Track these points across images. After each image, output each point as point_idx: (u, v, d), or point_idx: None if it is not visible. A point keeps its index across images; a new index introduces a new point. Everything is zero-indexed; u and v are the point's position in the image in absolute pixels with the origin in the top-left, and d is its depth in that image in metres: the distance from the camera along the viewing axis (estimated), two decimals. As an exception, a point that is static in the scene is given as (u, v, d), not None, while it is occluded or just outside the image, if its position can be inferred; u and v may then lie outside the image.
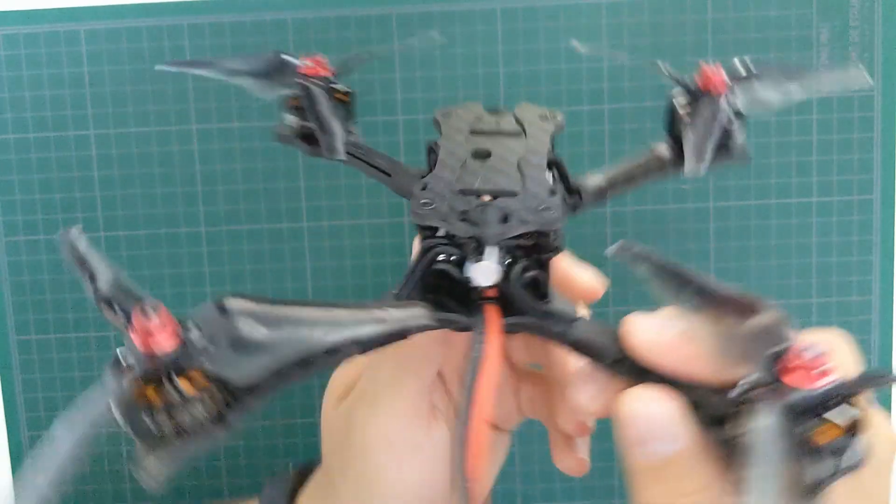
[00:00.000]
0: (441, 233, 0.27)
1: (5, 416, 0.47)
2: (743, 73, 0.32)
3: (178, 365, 0.22)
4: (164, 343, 0.21)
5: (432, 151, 0.31)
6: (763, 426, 0.20)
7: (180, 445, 0.22)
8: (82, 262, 0.24)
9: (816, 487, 0.20)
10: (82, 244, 0.24)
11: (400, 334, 0.26)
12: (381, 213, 0.45)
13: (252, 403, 0.22)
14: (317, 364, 0.24)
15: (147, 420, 0.22)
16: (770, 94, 0.32)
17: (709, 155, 0.31)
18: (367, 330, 0.25)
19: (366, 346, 0.25)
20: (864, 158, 0.45)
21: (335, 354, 0.24)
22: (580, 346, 0.27)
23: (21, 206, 0.45)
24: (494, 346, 0.26)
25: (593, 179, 0.33)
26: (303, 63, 0.32)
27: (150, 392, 0.22)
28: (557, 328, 0.27)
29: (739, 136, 0.32)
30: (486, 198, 0.28)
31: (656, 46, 0.44)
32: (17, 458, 0.47)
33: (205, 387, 0.22)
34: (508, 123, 0.33)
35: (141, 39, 0.44)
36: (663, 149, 0.33)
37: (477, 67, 0.44)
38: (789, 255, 0.46)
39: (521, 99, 0.45)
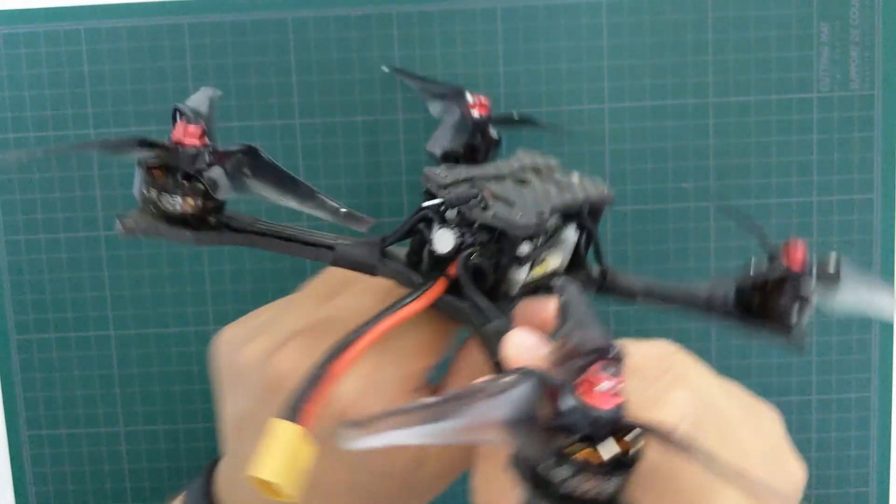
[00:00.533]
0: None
1: (5, 415, 0.47)
2: (829, 268, 0.32)
3: (192, 162, 0.29)
4: (193, 140, 0.29)
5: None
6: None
7: (156, 222, 0.29)
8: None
9: (551, 484, 0.20)
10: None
11: (365, 266, 0.31)
12: (381, 213, 0.45)
13: (222, 235, 0.30)
14: (292, 247, 0.31)
15: (147, 187, 0.29)
16: (848, 297, 0.32)
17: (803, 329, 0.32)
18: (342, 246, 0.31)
19: (337, 258, 0.31)
20: (865, 158, 0.45)
21: (311, 247, 0.31)
22: (485, 343, 0.29)
23: (21, 205, 0.45)
24: (417, 305, 0.29)
25: (632, 279, 0.34)
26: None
27: (159, 173, 0.29)
28: (476, 318, 0.29)
29: (803, 319, 0.32)
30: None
31: (656, 46, 0.44)
32: (17, 458, 0.47)
33: (196, 192, 0.29)
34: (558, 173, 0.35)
35: (141, 39, 0.44)
36: (714, 292, 0.34)
37: (477, 67, 0.44)
38: (789, 254, 0.46)
39: (521, 99, 0.45)
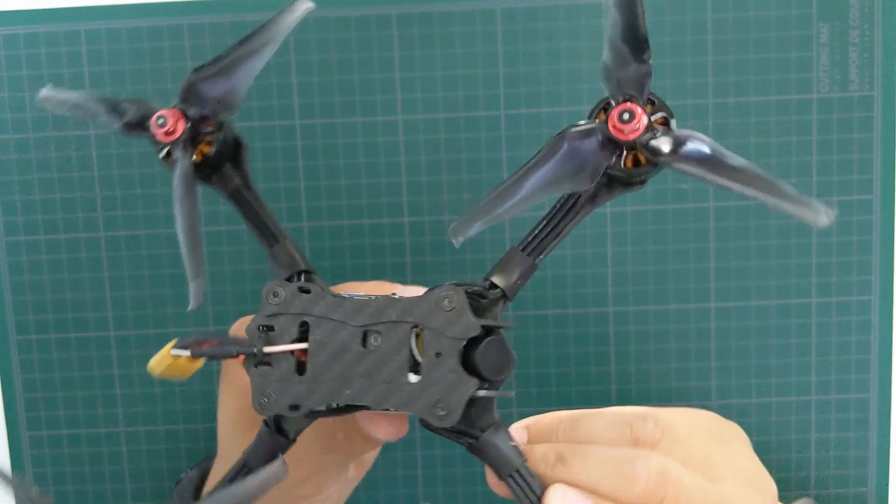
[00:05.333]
0: None
1: (5, 416, 0.47)
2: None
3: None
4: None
5: None
6: None
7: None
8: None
9: None
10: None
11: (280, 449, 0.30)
12: (380, 214, 0.45)
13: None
14: None
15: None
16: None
17: None
18: None
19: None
20: (864, 158, 0.45)
21: None
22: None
23: (21, 206, 0.45)
24: None
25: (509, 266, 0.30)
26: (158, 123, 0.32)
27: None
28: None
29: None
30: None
31: (656, 46, 0.44)
32: (17, 458, 0.47)
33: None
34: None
35: (141, 39, 0.44)
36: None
37: (477, 67, 0.44)
38: (789, 254, 0.46)
39: (521, 99, 0.45)
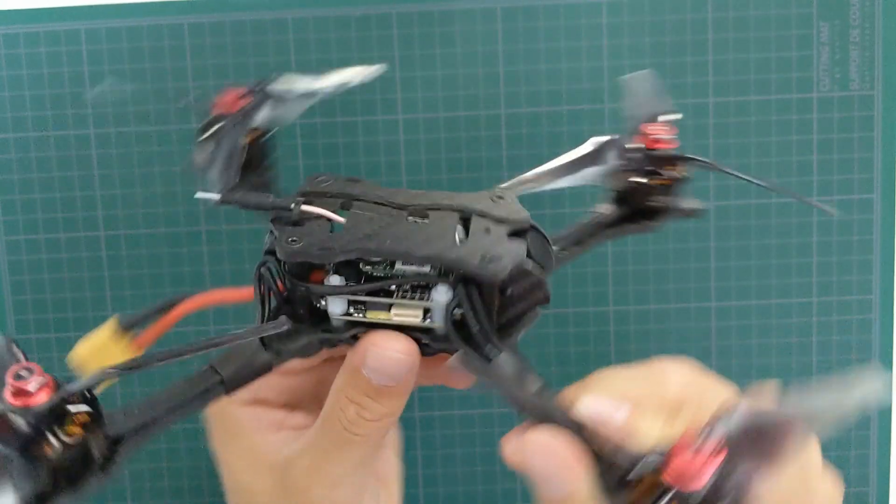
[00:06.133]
0: None
1: (5, 415, 0.47)
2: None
3: (56, 414, 0.23)
4: (38, 398, 0.23)
5: None
6: None
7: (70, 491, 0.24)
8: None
9: None
10: None
11: (261, 371, 0.28)
12: (381, 213, 0.45)
13: (132, 446, 0.26)
14: (181, 410, 0.27)
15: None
16: None
17: None
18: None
19: (230, 385, 0.27)
20: (865, 157, 0.45)
21: (200, 397, 0.27)
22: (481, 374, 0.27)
23: (21, 205, 0.45)
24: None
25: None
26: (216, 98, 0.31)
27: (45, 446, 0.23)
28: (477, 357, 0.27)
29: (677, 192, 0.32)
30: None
31: (656, 45, 0.44)
32: (17, 458, 0.47)
33: (85, 433, 0.24)
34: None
35: (141, 39, 0.44)
36: (608, 212, 0.33)
37: (477, 67, 0.44)
38: (789, 254, 0.46)
39: (521, 99, 0.45)
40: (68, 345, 0.46)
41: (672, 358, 0.29)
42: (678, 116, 0.31)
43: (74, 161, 0.45)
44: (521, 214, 0.28)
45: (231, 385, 0.27)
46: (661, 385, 0.26)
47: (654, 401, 0.26)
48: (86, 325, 0.46)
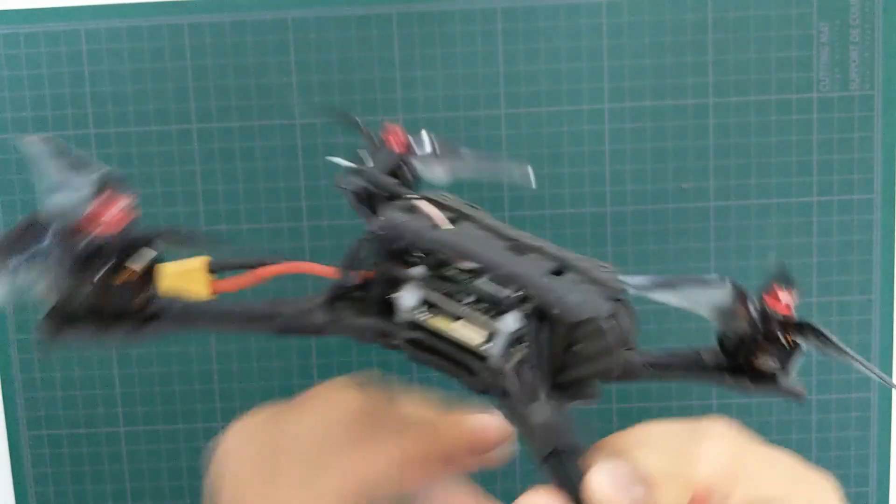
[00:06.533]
0: None
1: (5, 415, 0.47)
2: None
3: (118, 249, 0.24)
4: (112, 225, 0.23)
5: None
6: None
7: (89, 324, 0.24)
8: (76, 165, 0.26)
9: None
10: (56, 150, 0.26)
11: (313, 328, 0.28)
12: (381, 213, 0.45)
13: (165, 327, 0.26)
14: (231, 324, 0.27)
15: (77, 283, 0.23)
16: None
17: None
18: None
19: (282, 327, 0.27)
20: (865, 158, 0.45)
21: (253, 322, 0.27)
22: (525, 430, 0.26)
23: (21, 205, 0.45)
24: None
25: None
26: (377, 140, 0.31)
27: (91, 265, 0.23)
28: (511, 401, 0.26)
29: (790, 368, 0.31)
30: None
31: (656, 46, 0.44)
32: (17, 458, 0.47)
33: (131, 284, 0.24)
34: None
35: (141, 38, 0.44)
36: (709, 355, 0.31)
37: (477, 67, 0.44)
38: (789, 254, 0.46)
39: (521, 99, 0.45)
40: (68, 344, 0.47)
41: (717, 422, 0.27)
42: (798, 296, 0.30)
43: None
44: (619, 285, 0.27)
45: (281, 326, 0.28)
46: (692, 463, 0.23)
47: (678, 482, 0.23)
48: (86, 325, 0.46)
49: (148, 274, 0.25)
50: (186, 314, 0.27)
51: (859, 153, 0.45)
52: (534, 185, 0.36)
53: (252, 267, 0.30)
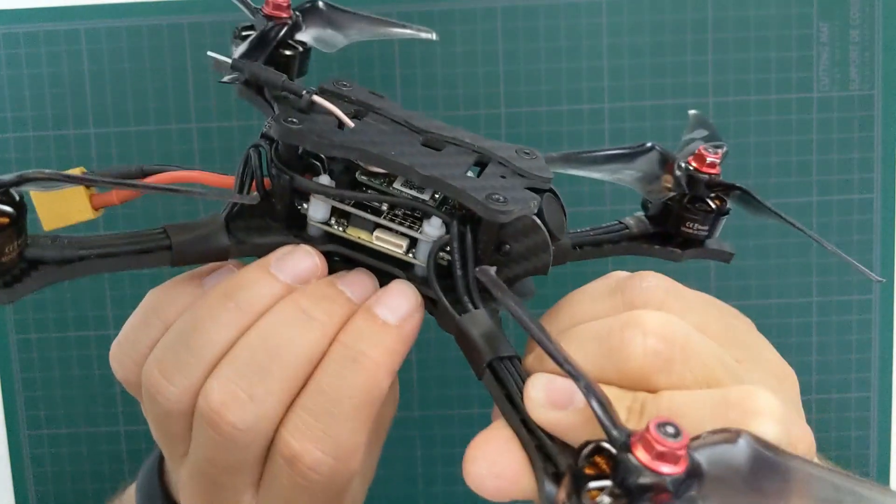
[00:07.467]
0: None
1: (5, 415, 0.47)
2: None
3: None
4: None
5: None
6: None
7: None
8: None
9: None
10: None
11: (216, 253, 0.26)
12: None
13: (48, 277, 0.24)
14: (123, 261, 0.26)
15: None
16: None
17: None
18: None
19: (178, 257, 0.26)
20: (864, 157, 0.45)
21: (145, 255, 0.26)
22: (460, 337, 0.24)
23: (21, 205, 0.45)
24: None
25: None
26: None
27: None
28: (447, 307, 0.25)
29: (715, 230, 0.31)
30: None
31: (656, 46, 0.44)
32: (17, 458, 0.47)
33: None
34: None
35: (141, 38, 0.44)
36: (636, 225, 0.31)
37: (477, 66, 0.44)
38: (789, 254, 0.46)
39: (521, 99, 0.45)
40: (68, 343, 0.47)
41: (644, 276, 0.26)
42: (726, 150, 0.30)
43: (74, 161, 0.45)
44: (545, 173, 0.26)
45: (178, 256, 0.26)
46: (623, 357, 0.22)
47: (611, 376, 0.22)
48: (86, 325, 0.46)
49: (17, 223, 0.22)
50: (68, 257, 0.24)
51: (859, 153, 0.45)
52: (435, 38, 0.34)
53: (132, 178, 0.27)
